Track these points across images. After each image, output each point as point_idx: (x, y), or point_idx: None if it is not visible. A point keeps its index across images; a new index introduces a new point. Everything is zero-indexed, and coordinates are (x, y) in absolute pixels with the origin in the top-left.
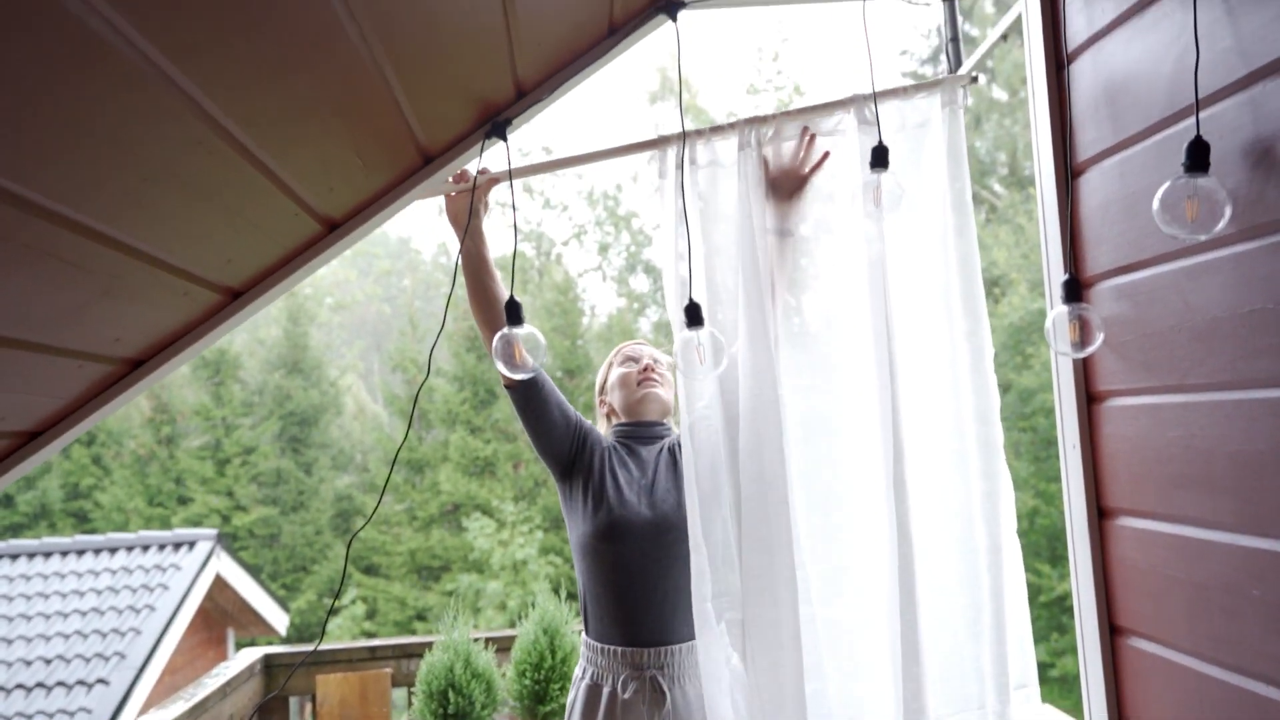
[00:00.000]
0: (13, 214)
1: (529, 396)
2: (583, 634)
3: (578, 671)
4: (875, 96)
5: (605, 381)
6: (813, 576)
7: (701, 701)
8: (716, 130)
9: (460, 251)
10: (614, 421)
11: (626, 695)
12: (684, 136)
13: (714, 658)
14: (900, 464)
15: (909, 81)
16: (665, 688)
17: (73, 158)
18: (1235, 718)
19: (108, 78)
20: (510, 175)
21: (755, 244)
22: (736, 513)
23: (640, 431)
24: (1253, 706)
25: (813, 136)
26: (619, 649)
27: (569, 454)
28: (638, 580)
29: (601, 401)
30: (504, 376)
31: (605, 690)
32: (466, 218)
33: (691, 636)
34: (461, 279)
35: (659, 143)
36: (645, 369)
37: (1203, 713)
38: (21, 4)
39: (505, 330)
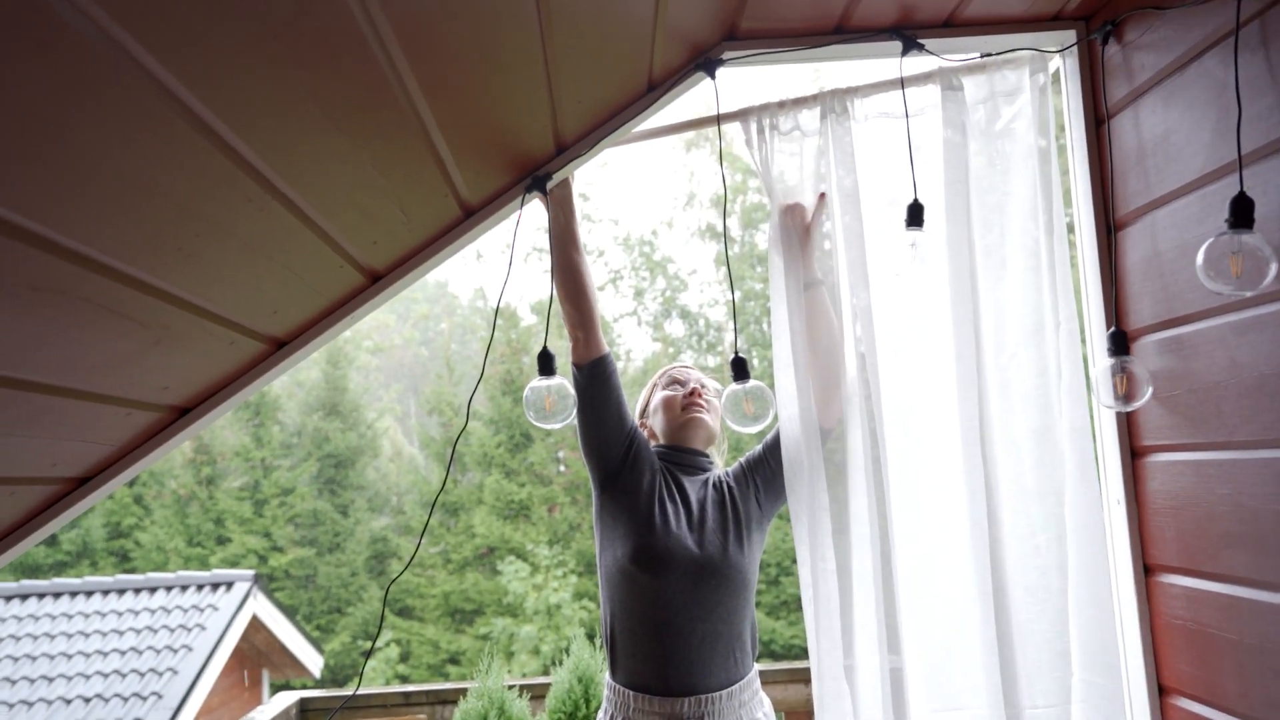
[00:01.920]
0: (73, 270)
1: (593, 379)
2: (607, 676)
3: (603, 717)
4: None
5: (648, 404)
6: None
7: None
8: (799, 102)
9: (550, 226)
10: (654, 446)
11: None
12: (725, 195)
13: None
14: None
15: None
16: None
17: (132, 217)
18: None
19: (171, 144)
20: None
21: (839, 208)
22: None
23: (683, 459)
24: None
25: (822, 195)
26: (655, 699)
27: (618, 457)
28: (677, 617)
29: (642, 424)
30: (573, 352)
31: None
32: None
33: (730, 682)
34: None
35: (739, 115)
36: (691, 393)
37: None
38: (97, 76)
39: (535, 382)
